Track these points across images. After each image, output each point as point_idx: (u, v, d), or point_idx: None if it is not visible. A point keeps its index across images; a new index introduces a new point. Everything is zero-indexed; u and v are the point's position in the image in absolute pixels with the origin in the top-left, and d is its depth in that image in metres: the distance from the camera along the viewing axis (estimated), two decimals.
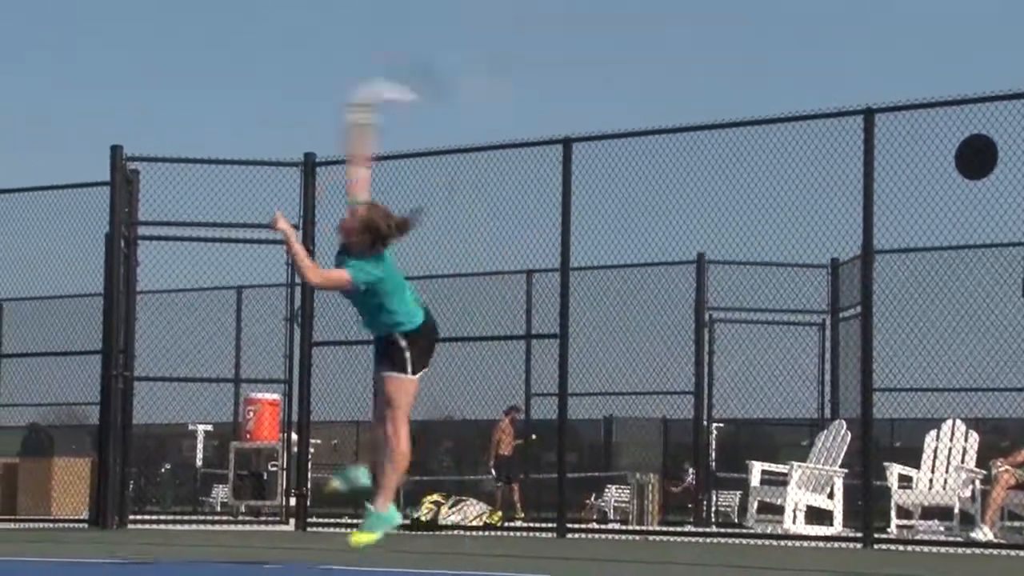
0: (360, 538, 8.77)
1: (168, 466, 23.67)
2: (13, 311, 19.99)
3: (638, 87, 66.48)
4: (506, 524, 16.41)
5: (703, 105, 58.61)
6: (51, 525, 16.35)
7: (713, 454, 20.04)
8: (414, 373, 9.03)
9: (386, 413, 8.98)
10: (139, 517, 16.52)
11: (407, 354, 9.01)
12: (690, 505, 21.16)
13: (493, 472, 22.43)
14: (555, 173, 14.82)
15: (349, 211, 8.98)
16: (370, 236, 8.89)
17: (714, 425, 19.76)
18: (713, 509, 20.66)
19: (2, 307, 20.11)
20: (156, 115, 69.26)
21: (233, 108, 71.19)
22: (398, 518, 8.94)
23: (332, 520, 17.31)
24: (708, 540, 14.61)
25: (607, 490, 25.71)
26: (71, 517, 16.92)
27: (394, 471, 8.91)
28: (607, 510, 24.90)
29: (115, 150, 15.77)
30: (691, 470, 21.92)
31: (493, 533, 15.38)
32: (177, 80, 71.53)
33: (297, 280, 15.74)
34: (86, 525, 15.91)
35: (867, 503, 13.93)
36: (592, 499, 25.56)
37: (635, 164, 14.82)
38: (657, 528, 17.24)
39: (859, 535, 13.73)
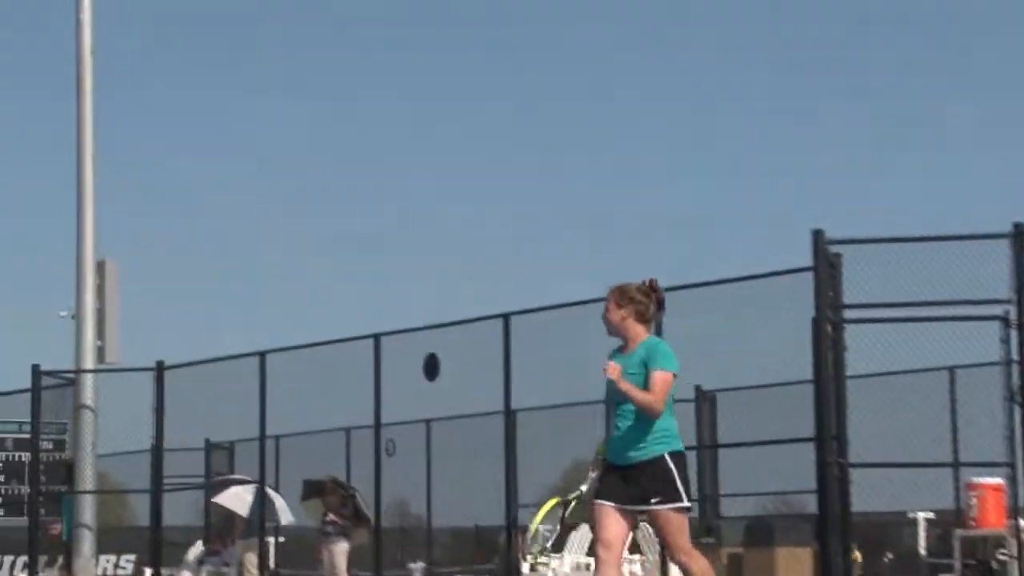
0: None
1: (891, 555, 23.11)
2: (726, 401, 20.21)
3: None
4: None
5: None
6: None
7: None
8: (688, 501, 8.72)
9: (673, 548, 8.69)
10: None
11: (677, 480, 8.63)
12: None
13: None
14: None
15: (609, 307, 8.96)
16: (632, 305, 8.79)
17: None
18: None
19: (716, 398, 20.36)
20: (855, 196, 69.06)
21: (933, 181, 69.86)
22: None
23: None
24: None
25: None
26: None
27: None
28: None
29: (816, 235, 15.62)
30: None
31: None
32: (873, 159, 71.12)
33: (1015, 356, 15.06)
34: None
35: None
36: None
37: None
38: None
39: None
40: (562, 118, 73.50)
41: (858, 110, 69.22)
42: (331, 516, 21.12)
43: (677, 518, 8.64)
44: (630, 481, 8.67)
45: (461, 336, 18.87)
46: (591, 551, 21.31)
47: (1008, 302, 15.07)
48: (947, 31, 67.97)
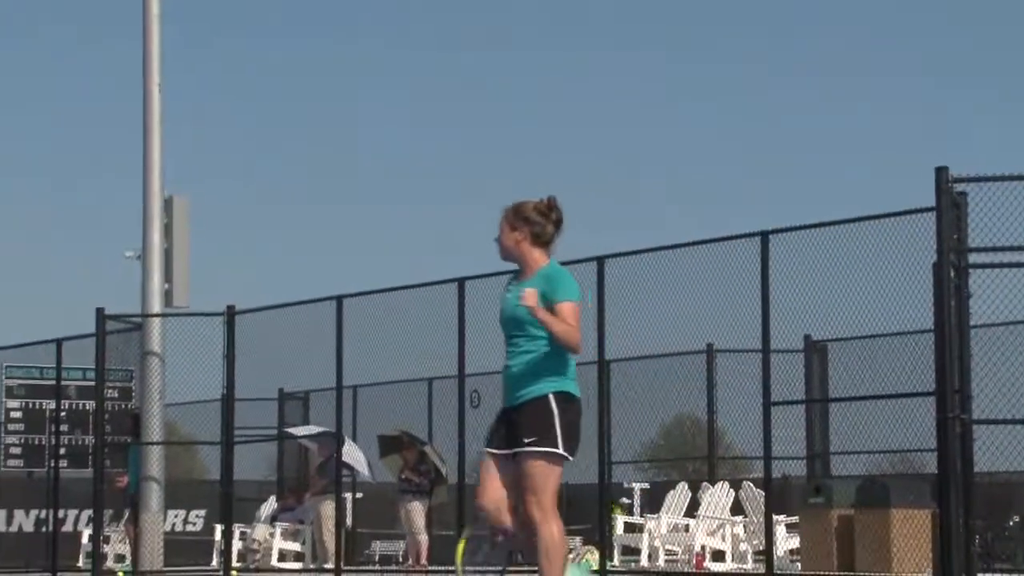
0: None
1: (1017, 518, 22.40)
2: (839, 352, 19.46)
3: None
4: None
5: None
6: None
7: None
8: (566, 452, 7.74)
9: (528, 501, 7.66)
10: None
11: (557, 425, 7.72)
12: None
13: None
14: None
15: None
16: (528, 227, 7.97)
17: None
18: None
19: (827, 348, 19.65)
20: (979, 132, 67.65)
21: None
22: None
23: None
24: None
25: None
26: (913, 574, 16.21)
27: (551, 567, 7.59)
28: None
29: (940, 172, 14.91)
30: None
31: None
32: (998, 93, 69.60)
33: None
34: None
35: None
36: None
37: None
38: None
39: None
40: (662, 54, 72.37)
41: (987, 37, 67.95)
42: (407, 474, 20.31)
43: (543, 466, 7.76)
44: (512, 424, 7.93)
45: None
46: (688, 512, 20.46)
47: None
48: None
